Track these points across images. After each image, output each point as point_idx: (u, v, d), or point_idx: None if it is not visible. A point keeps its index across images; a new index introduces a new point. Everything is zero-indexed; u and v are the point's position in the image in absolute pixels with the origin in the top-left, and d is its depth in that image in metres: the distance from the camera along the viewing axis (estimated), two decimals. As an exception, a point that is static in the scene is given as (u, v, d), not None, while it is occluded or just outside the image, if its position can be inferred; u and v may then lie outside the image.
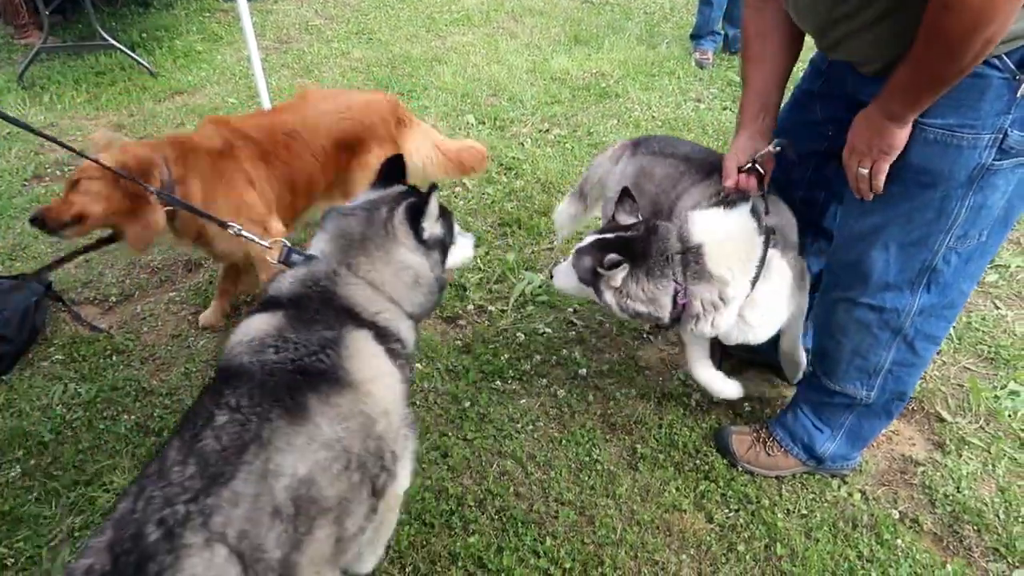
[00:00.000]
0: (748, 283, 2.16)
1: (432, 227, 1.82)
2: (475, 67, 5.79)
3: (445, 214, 1.90)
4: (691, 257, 2.14)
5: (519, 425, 2.63)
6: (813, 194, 2.34)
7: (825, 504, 2.36)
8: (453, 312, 3.20)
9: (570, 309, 3.22)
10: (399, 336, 1.75)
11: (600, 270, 2.13)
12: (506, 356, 2.94)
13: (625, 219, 2.31)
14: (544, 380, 2.83)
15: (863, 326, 2.08)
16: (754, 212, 2.19)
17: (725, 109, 5.09)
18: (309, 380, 1.51)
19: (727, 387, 2.48)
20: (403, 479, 1.78)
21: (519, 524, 2.27)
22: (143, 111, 5.08)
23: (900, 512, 2.34)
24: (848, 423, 2.32)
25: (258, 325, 1.63)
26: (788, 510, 2.33)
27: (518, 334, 3.06)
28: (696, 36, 5.91)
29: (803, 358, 2.59)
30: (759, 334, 2.30)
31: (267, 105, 4.11)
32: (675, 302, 2.15)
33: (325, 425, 1.47)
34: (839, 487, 2.41)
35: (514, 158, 4.41)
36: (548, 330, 3.09)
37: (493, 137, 4.69)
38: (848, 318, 2.10)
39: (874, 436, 2.42)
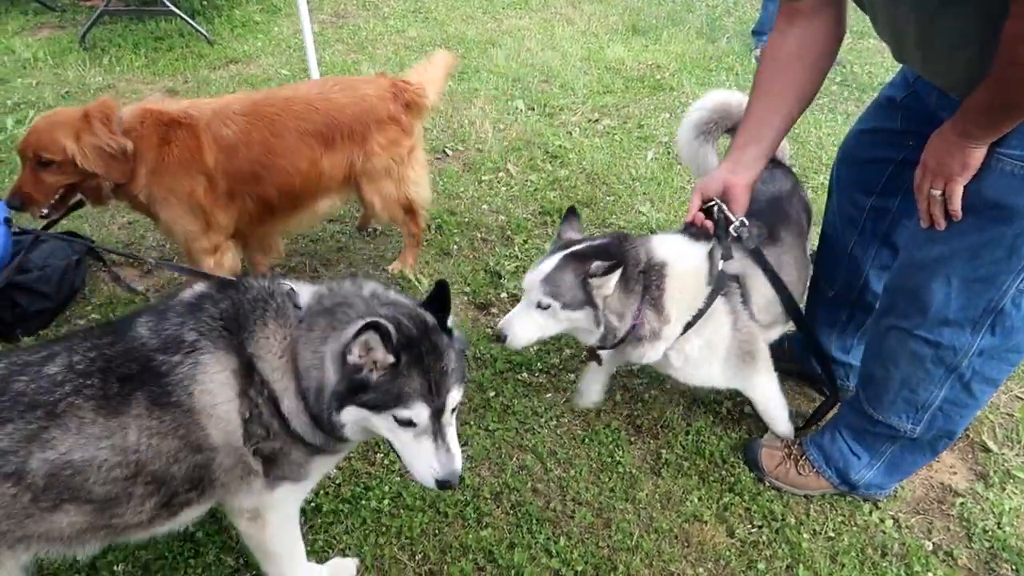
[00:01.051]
0: (680, 326, 2.10)
1: (360, 362, 1.46)
2: (529, 52, 5.71)
3: (405, 378, 1.46)
4: (653, 278, 2.06)
5: (543, 420, 2.58)
6: (885, 202, 2.19)
7: (854, 528, 2.25)
8: (486, 299, 3.15)
9: (605, 305, 3.15)
10: (280, 407, 1.53)
11: (591, 279, 1.97)
12: (535, 348, 2.88)
13: (574, 235, 2.17)
14: (572, 375, 2.77)
15: (916, 359, 1.96)
16: (711, 256, 2.09)
17: (783, 109, 4.92)
18: (147, 378, 1.44)
19: (587, 395, 2.58)
20: (251, 510, 1.68)
21: (534, 521, 2.22)
22: (197, 78, 5.13)
23: (934, 544, 2.23)
24: (889, 454, 2.20)
25: (185, 296, 1.59)
26: (814, 531, 2.24)
27: (549, 326, 3.00)
28: (758, 32, 5.72)
29: (783, 429, 2.46)
30: (686, 378, 2.26)
31: (316, 77, 4.10)
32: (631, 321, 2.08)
33: (133, 431, 1.41)
34: (871, 512, 2.30)
35: (561, 146, 4.34)
36: (580, 325, 3.02)
37: (541, 124, 4.62)
38: (900, 348, 1.98)
39: (915, 470, 2.31)
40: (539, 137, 4.44)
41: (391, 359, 1.43)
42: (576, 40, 5.97)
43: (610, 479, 2.37)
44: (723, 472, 2.40)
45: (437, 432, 1.51)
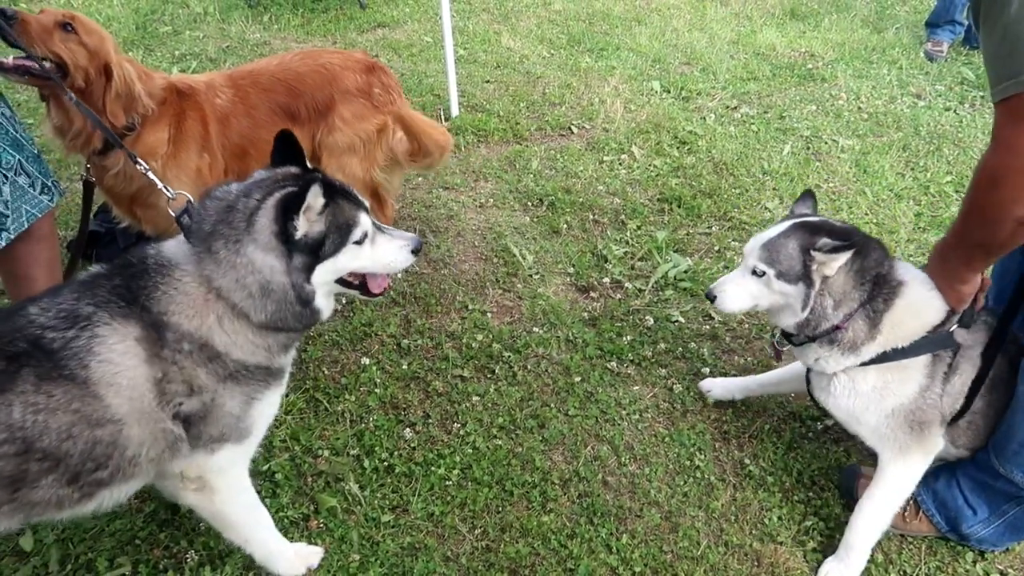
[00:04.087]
0: (877, 352, 1.88)
1: (308, 226, 1.54)
2: (674, 31, 5.51)
3: (340, 209, 1.60)
4: (885, 290, 1.86)
5: (625, 412, 2.50)
6: None
7: (951, 577, 2.05)
8: (588, 282, 3.09)
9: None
10: (212, 347, 1.53)
11: (814, 252, 1.82)
12: (629, 337, 2.80)
13: (806, 211, 2.05)
14: (663, 371, 2.67)
15: None
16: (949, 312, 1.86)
17: (948, 110, 4.49)
18: (34, 355, 1.40)
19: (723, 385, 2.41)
20: (198, 472, 1.65)
21: (598, 514, 2.17)
22: (346, 39, 5.33)
23: (1044, 609, 1.99)
24: (1012, 516, 1.97)
25: (79, 277, 1.56)
26: (904, 572, 2.05)
27: (648, 317, 2.90)
28: (932, 24, 5.24)
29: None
30: (835, 407, 2.01)
31: (449, 45, 4.13)
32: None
33: (18, 408, 1.38)
34: (974, 562, 2.08)
35: (691, 132, 4.16)
36: (681, 319, 2.90)
37: (675, 107, 4.45)
38: None
39: None
40: (670, 121, 4.28)
41: (322, 202, 1.54)
42: (727, 22, 5.70)
43: (685, 483, 2.27)
44: (810, 494, 2.24)
45: (378, 228, 1.71)
